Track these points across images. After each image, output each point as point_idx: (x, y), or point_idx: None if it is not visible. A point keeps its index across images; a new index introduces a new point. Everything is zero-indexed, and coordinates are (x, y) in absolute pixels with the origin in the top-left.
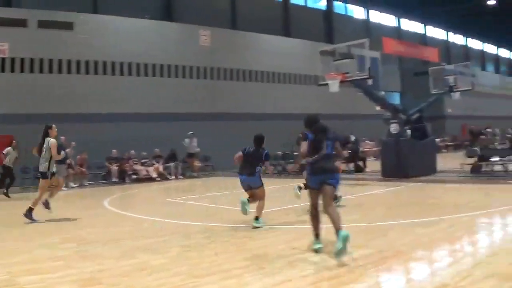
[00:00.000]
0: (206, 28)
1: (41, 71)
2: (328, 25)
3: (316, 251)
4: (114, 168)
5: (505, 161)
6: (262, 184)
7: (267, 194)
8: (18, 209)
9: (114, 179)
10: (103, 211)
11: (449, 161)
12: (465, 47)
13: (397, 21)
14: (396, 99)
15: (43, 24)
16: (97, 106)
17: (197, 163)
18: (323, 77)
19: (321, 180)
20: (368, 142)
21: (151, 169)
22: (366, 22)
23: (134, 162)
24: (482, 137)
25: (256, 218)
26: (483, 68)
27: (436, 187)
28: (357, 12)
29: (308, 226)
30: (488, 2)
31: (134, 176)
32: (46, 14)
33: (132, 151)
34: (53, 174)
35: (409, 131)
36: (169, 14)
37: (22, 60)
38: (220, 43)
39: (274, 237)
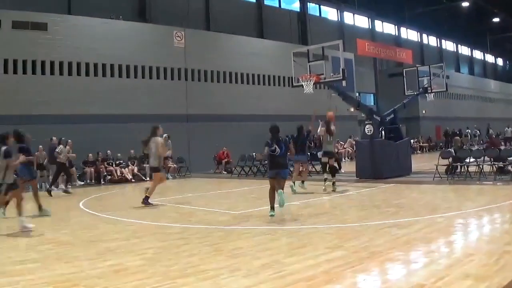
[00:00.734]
0: (180, 29)
1: (14, 72)
2: (302, 27)
3: (271, 216)
4: (90, 170)
5: (479, 162)
6: None
7: (242, 195)
8: None
9: (88, 181)
10: (78, 212)
11: (424, 162)
12: (439, 48)
13: (371, 22)
14: (370, 100)
15: (17, 25)
16: (71, 108)
17: (170, 165)
18: (298, 79)
19: (276, 172)
20: (341, 143)
21: (125, 170)
22: (340, 24)
23: (109, 163)
24: (457, 138)
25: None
26: (457, 70)
27: (411, 188)
28: (331, 13)
29: (284, 227)
30: (462, 4)
31: (109, 177)
32: (20, 15)
33: (109, 151)
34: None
35: (383, 132)
36: (143, 15)
37: None
38: (194, 44)
39: (250, 238)
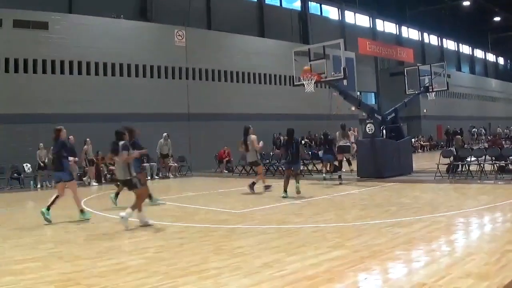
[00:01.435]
0: (181, 28)
1: (16, 71)
2: (303, 26)
3: (283, 197)
4: (91, 169)
5: (481, 161)
6: None
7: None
8: None
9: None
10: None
11: (425, 161)
12: (440, 47)
13: (372, 22)
14: (371, 99)
15: (18, 24)
16: (72, 107)
17: (171, 164)
18: (299, 78)
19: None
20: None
21: None
22: (341, 23)
23: (111, 163)
24: (458, 137)
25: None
26: (458, 69)
27: (412, 187)
28: (332, 12)
29: (285, 226)
30: (463, 3)
31: (109, 176)
32: (21, 14)
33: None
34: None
35: (384, 131)
36: (144, 14)
37: None
38: (195, 43)
39: (251, 237)
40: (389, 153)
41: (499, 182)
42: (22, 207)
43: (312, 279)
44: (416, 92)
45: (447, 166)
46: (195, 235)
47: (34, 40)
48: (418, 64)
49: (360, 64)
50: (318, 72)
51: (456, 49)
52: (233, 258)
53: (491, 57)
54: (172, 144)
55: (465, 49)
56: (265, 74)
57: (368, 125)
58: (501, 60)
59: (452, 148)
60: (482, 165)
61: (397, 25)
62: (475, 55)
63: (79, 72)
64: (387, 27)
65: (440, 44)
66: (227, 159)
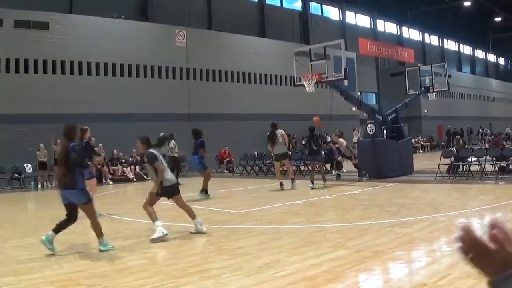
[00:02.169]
0: (182, 28)
1: (16, 71)
2: (303, 26)
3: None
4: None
5: (482, 162)
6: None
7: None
8: None
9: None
10: (81, 212)
11: (425, 161)
12: (441, 48)
13: (372, 22)
14: (372, 99)
15: (18, 24)
16: (73, 107)
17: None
18: (299, 78)
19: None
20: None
21: (127, 169)
22: (342, 23)
23: (114, 163)
24: (458, 137)
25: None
26: (459, 69)
27: (413, 187)
28: (333, 13)
29: (286, 227)
30: (464, 3)
31: (110, 176)
32: (22, 14)
33: (115, 151)
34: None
35: (384, 132)
36: (144, 14)
37: None
38: (196, 43)
39: (252, 237)
40: (390, 154)
41: (500, 183)
42: (23, 207)
43: (313, 279)
44: (417, 92)
45: (447, 166)
46: (196, 235)
47: (35, 40)
48: (419, 65)
49: (361, 64)
50: (319, 73)
51: (457, 50)
52: (234, 258)
53: (491, 57)
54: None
55: (466, 49)
56: (265, 74)
57: (369, 126)
58: (501, 61)
59: (452, 149)
60: (483, 165)
61: (397, 26)
62: (475, 55)
63: (80, 72)
64: (387, 27)
65: (440, 45)
66: (227, 159)
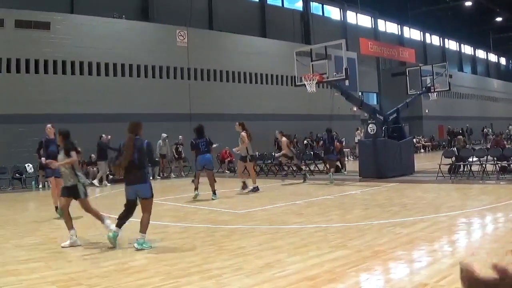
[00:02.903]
0: (183, 28)
1: (17, 71)
2: (305, 26)
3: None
4: (93, 169)
5: (483, 162)
6: None
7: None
8: None
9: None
10: (82, 212)
11: (427, 161)
12: (442, 48)
13: (374, 22)
14: (373, 99)
15: (20, 24)
16: (73, 107)
17: (177, 165)
18: (300, 78)
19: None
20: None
21: None
22: (343, 23)
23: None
24: (459, 137)
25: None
26: (460, 69)
27: (414, 187)
28: (334, 13)
29: (287, 227)
30: (465, 3)
31: (111, 177)
32: (23, 14)
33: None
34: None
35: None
36: (145, 14)
37: None
38: (197, 43)
39: (253, 237)
40: (391, 154)
41: (501, 183)
42: (24, 207)
43: (314, 279)
44: (418, 92)
45: (449, 166)
46: (197, 235)
47: (36, 40)
48: (420, 64)
49: (362, 64)
50: (320, 73)
51: (458, 50)
52: (235, 258)
53: (493, 57)
54: (169, 145)
55: (467, 49)
56: (266, 75)
57: (370, 126)
58: (503, 60)
59: (453, 148)
60: (484, 165)
61: (399, 26)
62: (477, 55)
63: (81, 73)
64: (388, 27)
65: (442, 45)
66: (229, 159)
